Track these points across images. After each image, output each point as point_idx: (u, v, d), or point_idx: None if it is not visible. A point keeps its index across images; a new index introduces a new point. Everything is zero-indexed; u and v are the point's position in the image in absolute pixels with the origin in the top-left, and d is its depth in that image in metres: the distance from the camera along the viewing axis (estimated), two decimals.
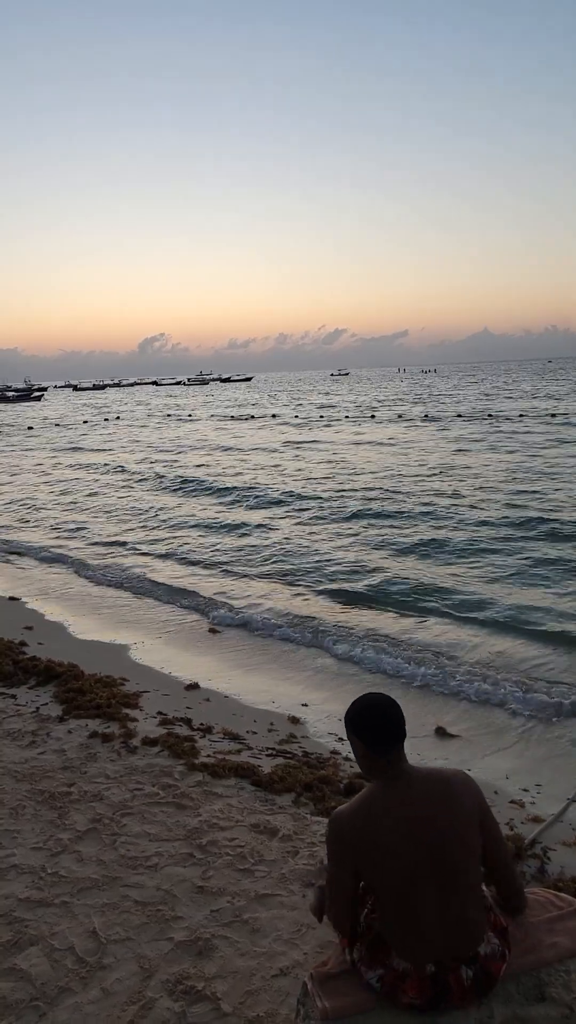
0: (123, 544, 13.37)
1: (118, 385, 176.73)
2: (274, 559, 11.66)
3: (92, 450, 32.12)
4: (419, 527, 13.27)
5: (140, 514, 16.46)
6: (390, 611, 8.81)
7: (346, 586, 9.90)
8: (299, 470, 22.15)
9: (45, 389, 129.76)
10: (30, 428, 48.71)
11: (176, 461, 26.28)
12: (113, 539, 13.86)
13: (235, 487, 19.15)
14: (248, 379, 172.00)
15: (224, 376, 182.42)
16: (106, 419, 55.40)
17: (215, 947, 2.85)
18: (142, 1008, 2.55)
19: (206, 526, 14.70)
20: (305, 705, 6.06)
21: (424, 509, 14.81)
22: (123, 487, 20.94)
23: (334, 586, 9.91)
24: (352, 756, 3.59)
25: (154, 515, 16.24)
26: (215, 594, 9.73)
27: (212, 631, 8.30)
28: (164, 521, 15.44)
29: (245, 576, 10.81)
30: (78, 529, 15.02)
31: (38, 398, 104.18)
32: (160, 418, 53.34)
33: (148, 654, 7.38)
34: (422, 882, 1.98)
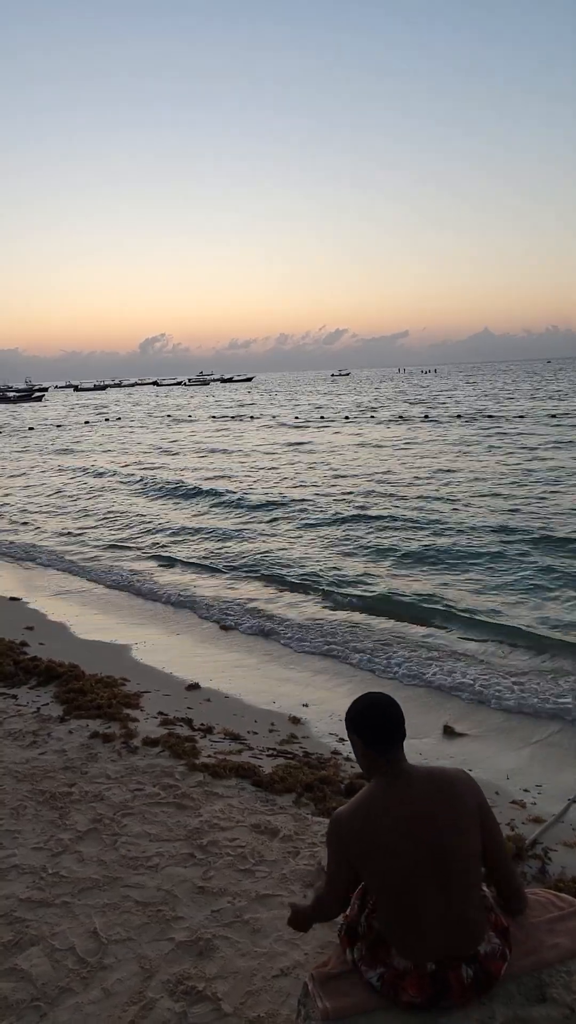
0: (124, 546, 13.39)
1: (119, 385, 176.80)
2: (274, 561, 11.66)
3: (92, 452, 32.12)
4: (420, 531, 13.25)
5: (140, 516, 16.47)
6: (392, 613, 8.80)
7: (346, 588, 9.91)
8: (298, 473, 22.15)
9: (46, 389, 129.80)
10: (31, 428, 48.86)
11: (176, 463, 26.28)
12: (114, 541, 13.87)
13: (233, 490, 19.13)
14: (249, 379, 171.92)
15: (225, 376, 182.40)
16: (107, 419, 55.50)
17: (216, 947, 2.85)
18: (143, 1008, 2.55)
19: (206, 528, 14.71)
20: (306, 705, 6.07)
21: (424, 514, 14.80)
22: (123, 490, 20.93)
23: (333, 588, 9.92)
24: (353, 756, 3.60)
25: (154, 517, 16.25)
26: (215, 595, 9.74)
27: (213, 632, 8.31)
28: (164, 523, 15.43)
29: (245, 578, 10.81)
30: (79, 531, 15.05)
31: (39, 398, 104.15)
32: (160, 418, 53.37)
33: (149, 654, 7.38)
34: (422, 881, 1.98)
